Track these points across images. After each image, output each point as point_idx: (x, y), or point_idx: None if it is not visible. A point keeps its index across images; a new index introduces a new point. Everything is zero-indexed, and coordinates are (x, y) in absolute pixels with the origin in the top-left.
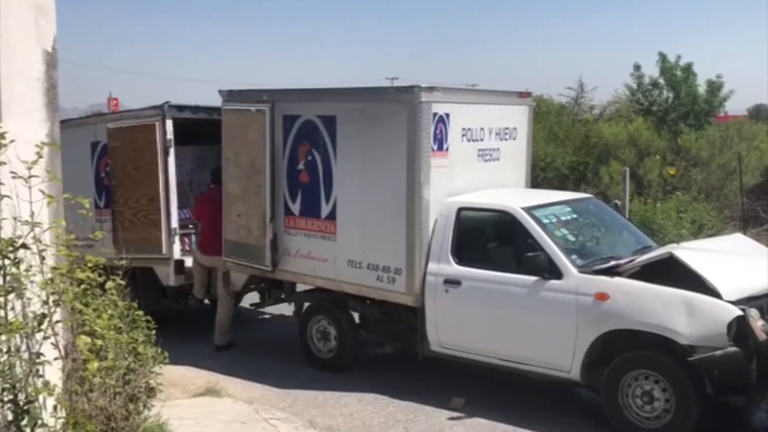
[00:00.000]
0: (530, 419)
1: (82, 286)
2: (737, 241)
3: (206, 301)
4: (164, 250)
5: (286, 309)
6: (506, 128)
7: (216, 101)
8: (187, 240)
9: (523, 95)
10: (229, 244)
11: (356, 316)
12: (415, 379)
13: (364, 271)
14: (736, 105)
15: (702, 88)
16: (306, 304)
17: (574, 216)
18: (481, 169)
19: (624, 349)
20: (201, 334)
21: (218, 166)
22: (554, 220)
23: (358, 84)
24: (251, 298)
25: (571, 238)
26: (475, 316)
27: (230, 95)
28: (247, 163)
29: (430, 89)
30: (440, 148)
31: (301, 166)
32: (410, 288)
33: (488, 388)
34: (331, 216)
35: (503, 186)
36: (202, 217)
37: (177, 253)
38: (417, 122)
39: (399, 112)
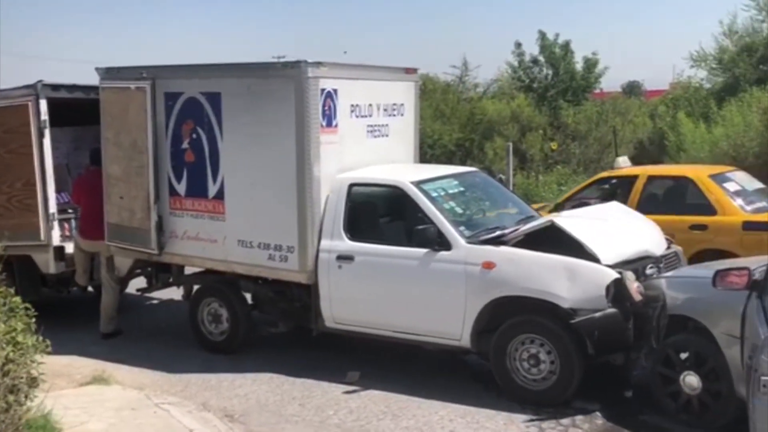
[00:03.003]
0: (423, 388)
1: None
2: (614, 209)
3: (90, 289)
4: (42, 236)
5: (175, 293)
6: (394, 104)
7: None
8: (66, 225)
9: (409, 71)
10: (111, 227)
11: (248, 296)
12: (310, 357)
13: (255, 250)
14: (612, 82)
15: (579, 65)
16: (196, 287)
17: (461, 189)
18: (371, 145)
19: (511, 315)
20: (86, 323)
21: (97, 147)
22: (442, 194)
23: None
24: (138, 284)
25: (459, 210)
26: (369, 290)
27: (108, 73)
28: (128, 143)
29: (317, 64)
30: (329, 124)
31: (185, 145)
32: (303, 265)
33: (383, 361)
34: (219, 196)
35: (393, 162)
36: (81, 200)
37: (56, 239)
38: (305, 98)
39: (286, 88)
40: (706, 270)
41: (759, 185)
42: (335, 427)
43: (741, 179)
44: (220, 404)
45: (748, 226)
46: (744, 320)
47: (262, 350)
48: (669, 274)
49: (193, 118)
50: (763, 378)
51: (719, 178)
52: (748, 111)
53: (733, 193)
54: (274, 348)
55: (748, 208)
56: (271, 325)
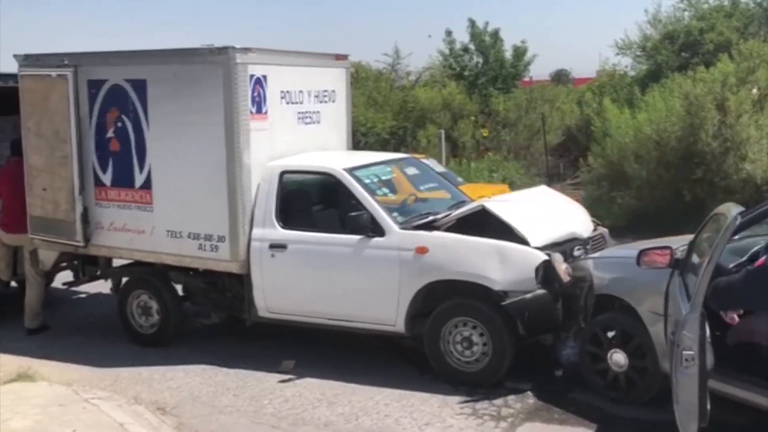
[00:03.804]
0: (359, 374)
1: None
2: (542, 193)
3: (13, 283)
4: None
5: (103, 286)
6: (325, 91)
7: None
8: None
9: (339, 58)
10: (34, 220)
11: (179, 287)
12: (244, 347)
13: (184, 240)
14: (541, 70)
15: (509, 53)
16: (124, 279)
17: (395, 175)
18: (302, 132)
19: (444, 299)
20: (10, 319)
21: (18, 137)
22: (375, 180)
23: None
24: (64, 277)
25: (392, 196)
26: (303, 278)
27: (27, 60)
28: (50, 133)
29: (246, 50)
30: (259, 111)
31: (110, 134)
32: (235, 255)
33: (317, 349)
34: (146, 185)
35: (325, 149)
36: (2, 193)
37: None
38: (233, 84)
39: (214, 74)
40: (631, 250)
41: None
42: (271, 416)
43: None
44: (151, 397)
45: None
46: (667, 298)
47: (195, 342)
48: (596, 255)
49: (117, 106)
50: (685, 353)
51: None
52: (670, 97)
53: None
54: (206, 339)
55: None
56: (203, 317)
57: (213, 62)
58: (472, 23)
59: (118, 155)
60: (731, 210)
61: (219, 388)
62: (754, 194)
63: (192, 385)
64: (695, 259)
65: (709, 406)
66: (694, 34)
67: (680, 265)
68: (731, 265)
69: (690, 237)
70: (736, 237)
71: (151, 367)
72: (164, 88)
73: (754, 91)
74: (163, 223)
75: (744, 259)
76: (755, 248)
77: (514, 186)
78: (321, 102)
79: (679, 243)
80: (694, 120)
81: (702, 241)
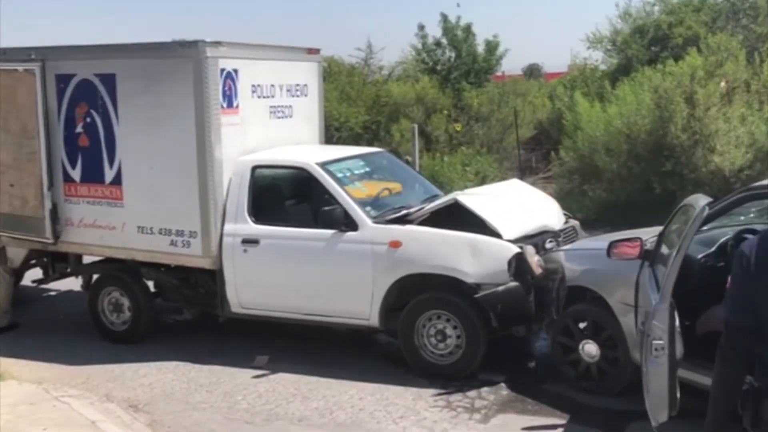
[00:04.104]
0: (333, 368)
1: None
2: (514, 186)
3: None
4: None
5: (73, 283)
6: (297, 85)
7: None
8: None
9: (311, 52)
10: (2, 217)
11: (151, 284)
12: (218, 343)
13: (156, 236)
14: (513, 65)
15: (481, 48)
16: (95, 276)
17: (367, 169)
18: (274, 127)
19: (417, 293)
20: None
21: None
22: (348, 174)
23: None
24: (34, 275)
25: (365, 190)
26: (276, 273)
27: None
28: (18, 129)
29: (216, 44)
30: (230, 105)
31: (79, 129)
32: (207, 250)
33: (291, 344)
34: (117, 181)
35: (297, 143)
36: None
37: None
38: (204, 79)
39: (184, 69)
40: (602, 242)
41: None
42: (244, 412)
43: None
44: (123, 395)
45: None
46: (637, 289)
47: (167, 339)
48: (567, 247)
49: (86, 100)
50: (655, 342)
51: None
52: (640, 90)
53: None
54: (179, 336)
55: None
56: (175, 313)
57: (183, 56)
58: (445, 17)
59: (87, 151)
60: (699, 201)
61: (192, 385)
62: (723, 186)
63: (165, 381)
64: (664, 250)
65: (678, 395)
66: (664, 28)
67: (650, 256)
68: (699, 256)
69: (660, 228)
70: (705, 228)
71: (123, 364)
72: (134, 83)
73: (722, 84)
74: (134, 219)
75: (712, 249)
76: (723, 239)
77: (487, 180)
78: (293, 96)
79: (648, 234)
80: (664, 113)
81: (671, 232)
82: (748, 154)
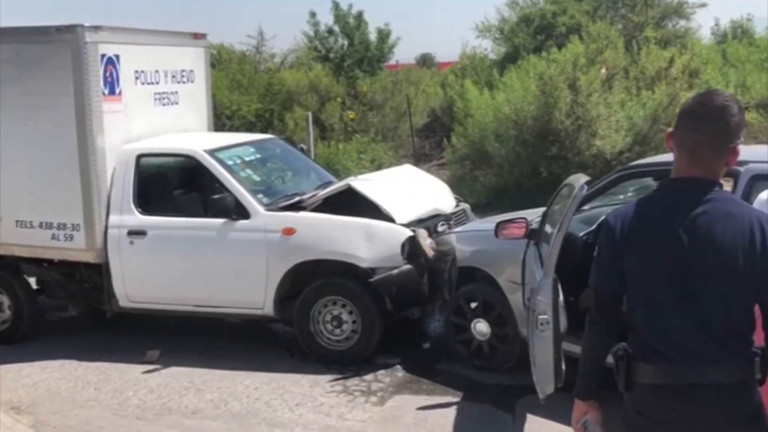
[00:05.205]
0: (228, 360)
1: None
2: (406, 172)
3: None
4: None
5: None
6: (183, 71)
7: None
8: None
9: (197, 36)
10: None
11: (32, 280)
12: (106, 339)
13: (36, 230)
14: (407, 54)
15: (373, 36)
16: None
17: (258, 156)
18: (160, 114)
19: (312, 280)
20: None
21: None
22: (238, 161)
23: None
24: None
25: (257, 177)
26: (165, 265)
27: None
28: None
29: (95, 28)
30: (112, 92)
31: None
32: (91, 244)
33: (184, 337)
34: None
35: (184, 130)
36: None
37: None
38: (83, 65)
39: (62, 54)
40: (490, 223)
41: None
42: (135, 408)
43: None
44: (4, 397)
45: None
46: (524, 267)
47: (52, 337)
48: (458, 229)
49: None
50: (540, 317)
51: None
52: (526, 77)
53: None
54: (65, 333)
55: None
56: (60, 310)
57: (60, 41)
58: (336, 5)
59: None
60: (579, 180)
61: (79, 383)
62: (605, 168)
63: (50, 381)
64: (548, 228)
65: (564, 368)
66: (548, 17)
67: (535, 235)
68: (582, 234)
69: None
70: (587, 207)
71: (3, 365)
72: (8, 70)
73: (603, 71)
74: (12, 212)
75: (593, 227)
76: (603, 217)
77: (383, 167)
78: (179, 82)
79: (534, 215)
80: (549, 99)
81: (554, 212)
82: (628, 138)
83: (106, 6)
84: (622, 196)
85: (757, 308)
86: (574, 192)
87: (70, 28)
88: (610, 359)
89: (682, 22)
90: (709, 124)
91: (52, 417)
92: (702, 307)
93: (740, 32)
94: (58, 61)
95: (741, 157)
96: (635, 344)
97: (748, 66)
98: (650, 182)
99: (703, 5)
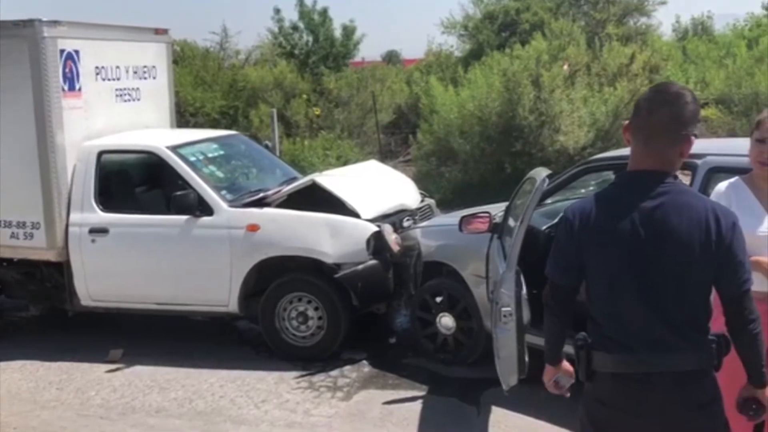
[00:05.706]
0: (192, 358)
1: None
2: (371, 167)
3: None
4: None
5: None
6: (144, 67)
7: None
8: None
9: (159, 32)
10: None
11: None
12: (68, 339)
13: None
14: (373, 52)
15: (338, 32)
16: None
17: (222, 153)
18: (121, 110)
19: (277, 276)
20: None
21: None
22: (201, 158)
23: None
24: None
25: (220, 174)
26: (127, 263)
27: None
28: None
29: (54, 23)
30: (72, 88)
31: None
32: (51, 242)
33: (148, 336)
34: None
35: (146, 127)
36: None
37: None
38: (41, 60)
39: (19, 50)
40: (455, 218)
41: None
42: (98, 408)
43: None
44: None
45: None
46: (488, 260)
47: (13, 337)
48: (423, 224)
49: None
50: (503, 309)
51: None
52: (490, 74)
53: None
54: (26, 334)
55: None
56: (20, 310)
57: (18, 36)
58: (301, 2)
59: None
60: (540, 173)
61: (41, 383)
62: (568, 164)
63: (10, 382)
64: (511, 222)
65: (527, 359)
66: (512, 14)
67: (498, 229)
68: (544, 227)
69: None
70: (549, 201)
71: None
72: None
73: (565, 67)
74: None
75: (555, 221)
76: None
77: (349, 164)
78: (140, 78)
79: (497, 209)
80: (512, 96)
81: (516, 206)
82: (590, 134)
83: (66, 1)
84: (583, 190)
85: (714, 296)
86: (535, 185)
87: (28, 23)
88: (570, 349)
89: (644, 19)
90: (664, 108)
91: (11, 418)
92: (659, 297)
93: (700, 29)
94: (15, 57)
95: (699, 149)
96: (595, 334)
97: (708, 62)
98: (611, 176)
99: (663, 2)
